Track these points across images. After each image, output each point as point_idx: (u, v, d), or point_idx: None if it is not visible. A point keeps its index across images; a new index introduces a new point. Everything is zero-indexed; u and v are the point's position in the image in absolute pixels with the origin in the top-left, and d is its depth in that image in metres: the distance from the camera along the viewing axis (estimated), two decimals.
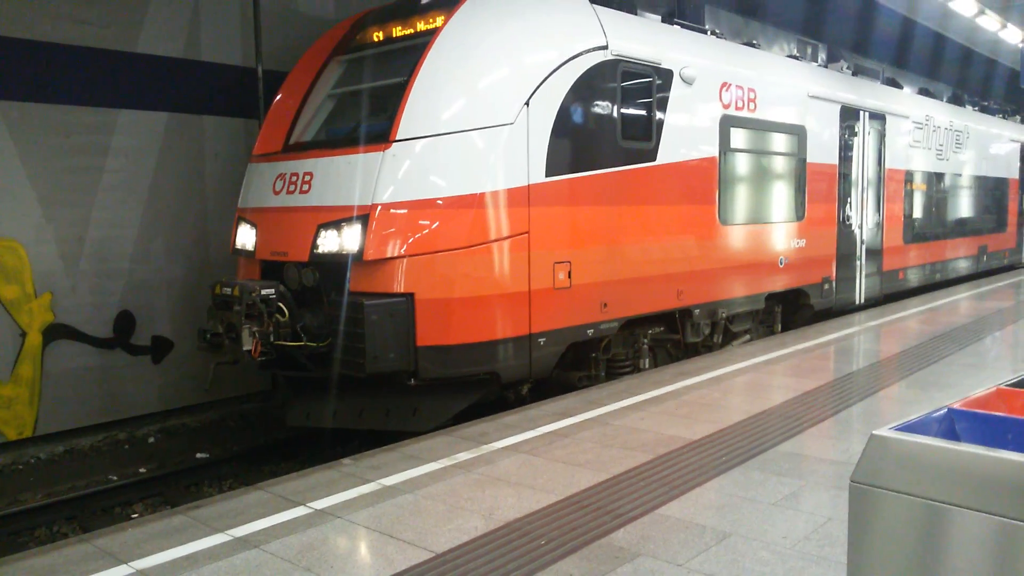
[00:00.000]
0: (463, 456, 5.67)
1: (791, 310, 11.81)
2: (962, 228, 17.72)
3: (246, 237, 8.10)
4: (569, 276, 7.83)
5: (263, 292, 7.11)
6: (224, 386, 9.82)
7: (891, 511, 2.20)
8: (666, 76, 8.89)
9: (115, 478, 8.35)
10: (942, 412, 2.56)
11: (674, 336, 9.53)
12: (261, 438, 9.49)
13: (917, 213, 15.34)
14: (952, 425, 2.55)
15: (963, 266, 17.96)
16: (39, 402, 8.93)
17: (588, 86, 7.94)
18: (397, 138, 7.06)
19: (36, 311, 8.89)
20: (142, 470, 8.61)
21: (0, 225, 8.61)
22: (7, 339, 8.70)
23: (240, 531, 4.44)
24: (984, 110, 20.02)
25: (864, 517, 2.26)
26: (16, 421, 8.78)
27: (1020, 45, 20.70)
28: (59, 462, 8.87)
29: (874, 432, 2.30)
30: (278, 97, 8.76)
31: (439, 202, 7.07)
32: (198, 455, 9.01)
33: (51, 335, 9.01)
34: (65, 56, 8.94)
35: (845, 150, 12.55)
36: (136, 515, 7.46)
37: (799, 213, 11.39)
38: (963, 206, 17.79)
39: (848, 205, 12.73)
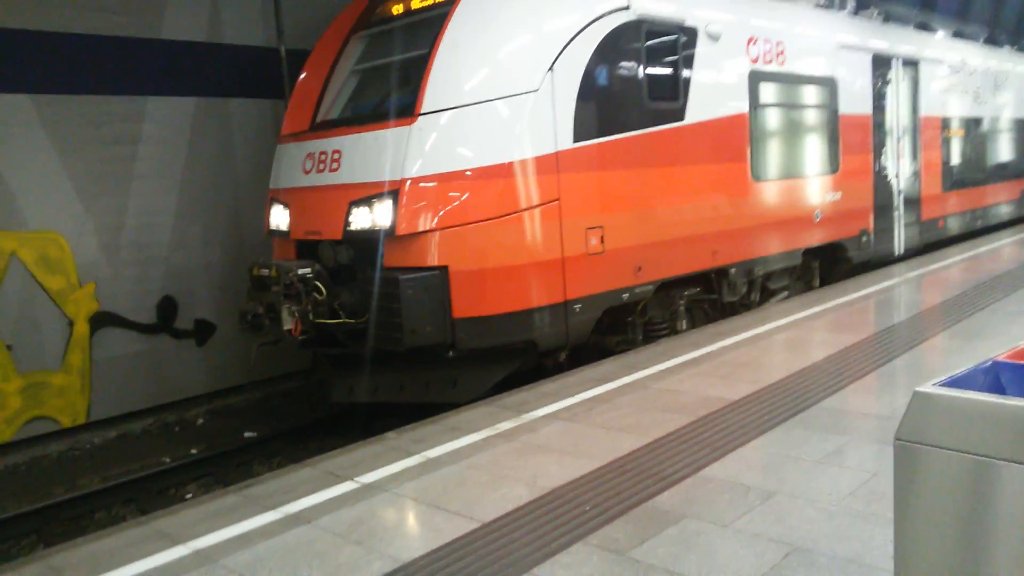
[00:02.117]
0: (504, 425, 5.72)
1: (829, 264, 11.66)
2: (1003, 172, 17.27)
3: (279, 218, 8.17)
4: (602, 241, 7.80)
5: (300, 272, 7.19)
6: (267, 366, 9.99)
7: (937, 468, 2.19)
8: (691, 34, 8.74)
9: (168, 460, 8.57)
10: (987, 365, 2.52)
11: (711, 296, 9.46)
12: (305, 415, 9.65)
13: (955, 159, 14.98)
14: (998, 378, 2.51)
15: (1005, 211, 17.54)
16: (90, 389, 9.17)
17: (612, 48, 7.84)
18: (422, 111, 7.06)
19: (81, 301, 9.10)
20: (193, 451, 8.82)
21: (41, 218, 8.80)
22: (56, 329, 8.93)
23: (291, 508, 4.54)
24: (1022, 50, 19.39)
25: (910, 475, 2.25)
26: (70, 408, 9.03)
27: None
28: (113, 447, 9.12)
29: (917, 389, 2.28)
30: (302, 76, 8.77)
31: (468, 173, 7.06)
32: (246, 434, 9.20)
33: (97, 323, 9.23)
34: (90, 46, 9.02)
35: (879, 99, 12.26)
36: (190, 495, 7.66)
37: (833, 166, 11.19)
38: (1003, 150, 17.32)
39: (884, 155, 12.46)
